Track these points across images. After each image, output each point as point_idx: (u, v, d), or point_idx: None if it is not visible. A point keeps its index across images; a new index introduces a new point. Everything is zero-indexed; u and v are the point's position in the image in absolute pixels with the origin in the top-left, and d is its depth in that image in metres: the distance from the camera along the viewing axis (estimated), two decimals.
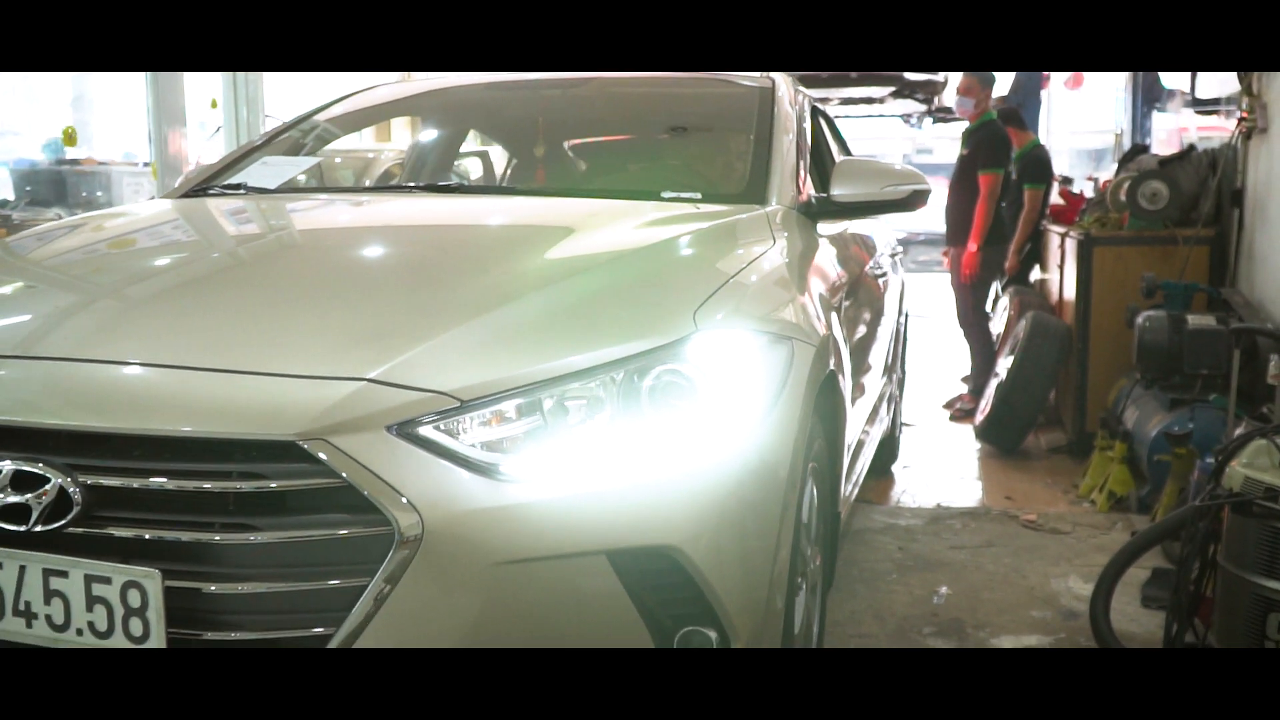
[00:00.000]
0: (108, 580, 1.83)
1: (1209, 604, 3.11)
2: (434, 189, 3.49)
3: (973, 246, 6.71)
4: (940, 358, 8.76)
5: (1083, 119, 14.51)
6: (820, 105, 4.46)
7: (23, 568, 1.86)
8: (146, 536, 1.83)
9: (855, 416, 3.31)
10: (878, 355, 3.99)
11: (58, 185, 7.88)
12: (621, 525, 1.90)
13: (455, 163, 4.25)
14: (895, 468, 5.74)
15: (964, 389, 7.26)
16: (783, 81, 3.62)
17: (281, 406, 1.83)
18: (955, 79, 7.46)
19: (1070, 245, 6.14)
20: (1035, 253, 7.12)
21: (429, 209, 3.09)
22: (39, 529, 1.84)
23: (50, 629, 1.87)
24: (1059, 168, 7.98)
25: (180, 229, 2.82)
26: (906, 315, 5.64)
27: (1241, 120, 5.33)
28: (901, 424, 6.06)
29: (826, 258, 3.05)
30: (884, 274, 4.38)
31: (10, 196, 7.80)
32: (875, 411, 4.17)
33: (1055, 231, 6.71)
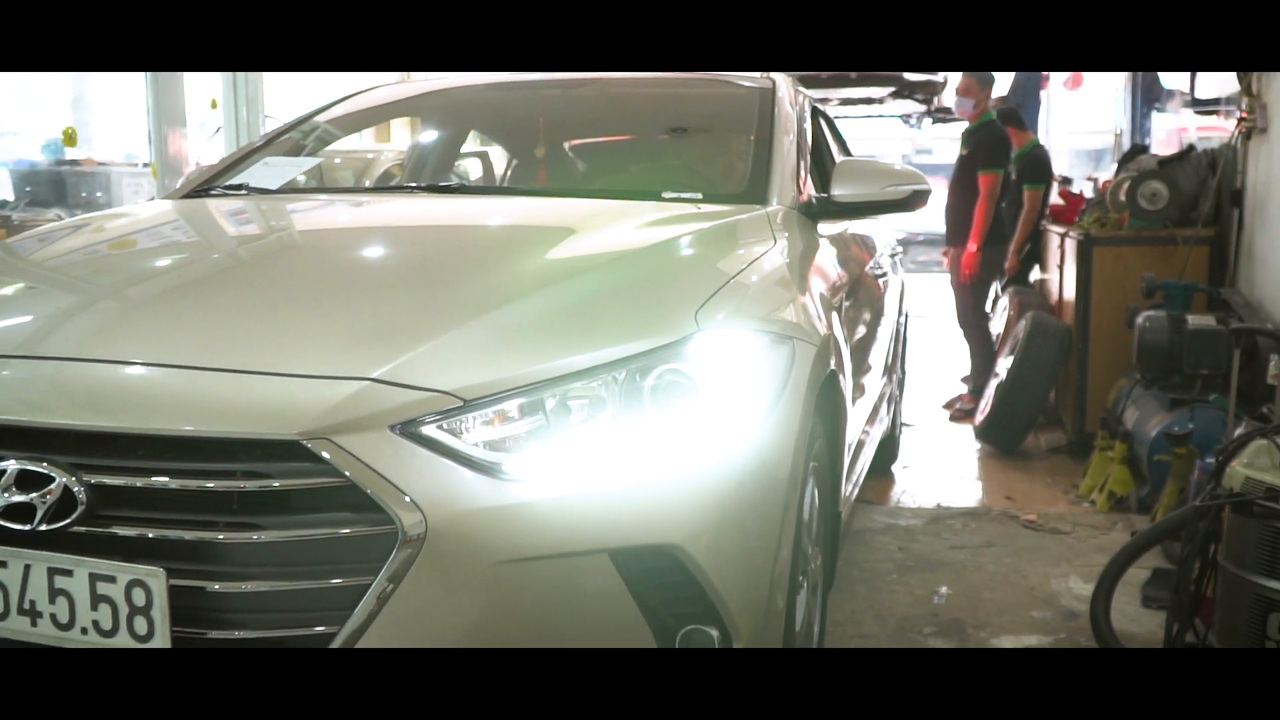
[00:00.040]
0: (112, 579, 1.84)
1: (1209, 604, 3.12)
2: (436, 189, 3.49)
3: (972, 247, 6.72)
4: (940, 358, 8.76)
5: (1082, 119, 14.51)
6: (820, 106, 4.46)
7: (28, 567, 1.87)
8: (150, 536, 1.84)
9: (856, 416, 3.32)
10: (878, 355, 3.99)
11: (57, 186, 7.88)
12: (624, 524, 1.91)
13: (455, 163, 4.25)
14: (895, 468, 5.75)
15: (964, 389, 7.26)
16: (783, 82, 3.62)
17: (285, 406, 1.84)
18: (955, 79, 7.46)
19: (1070, 245, 6.15)
20: (1035, 253, 7.12)
21: (431, 209, 3.09)
22: (44, 528, 1.85)
23: (55, 628, 1.87)
24: (1058, 168, 7.98)
25: (183, 229, 2.83)
26: (906, 315, 5.64)
27: (1241, 120, 5.33)
28: (901, 424, 6.06)
29: (827, 258, 3.05)
30: (884, 274, 4.38)
31: (10, 197, 7.79)
32: (875, 411, 4.17)
33: (1055, 232, 6.71)
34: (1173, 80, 8.01)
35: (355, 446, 1.81)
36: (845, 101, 10.99)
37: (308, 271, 2.43)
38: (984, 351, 6.97)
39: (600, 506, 1.90)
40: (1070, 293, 6.07)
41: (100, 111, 9.48)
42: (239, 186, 3.25)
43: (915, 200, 3.07)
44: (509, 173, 4.10)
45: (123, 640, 1.85)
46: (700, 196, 2.99)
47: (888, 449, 5.46)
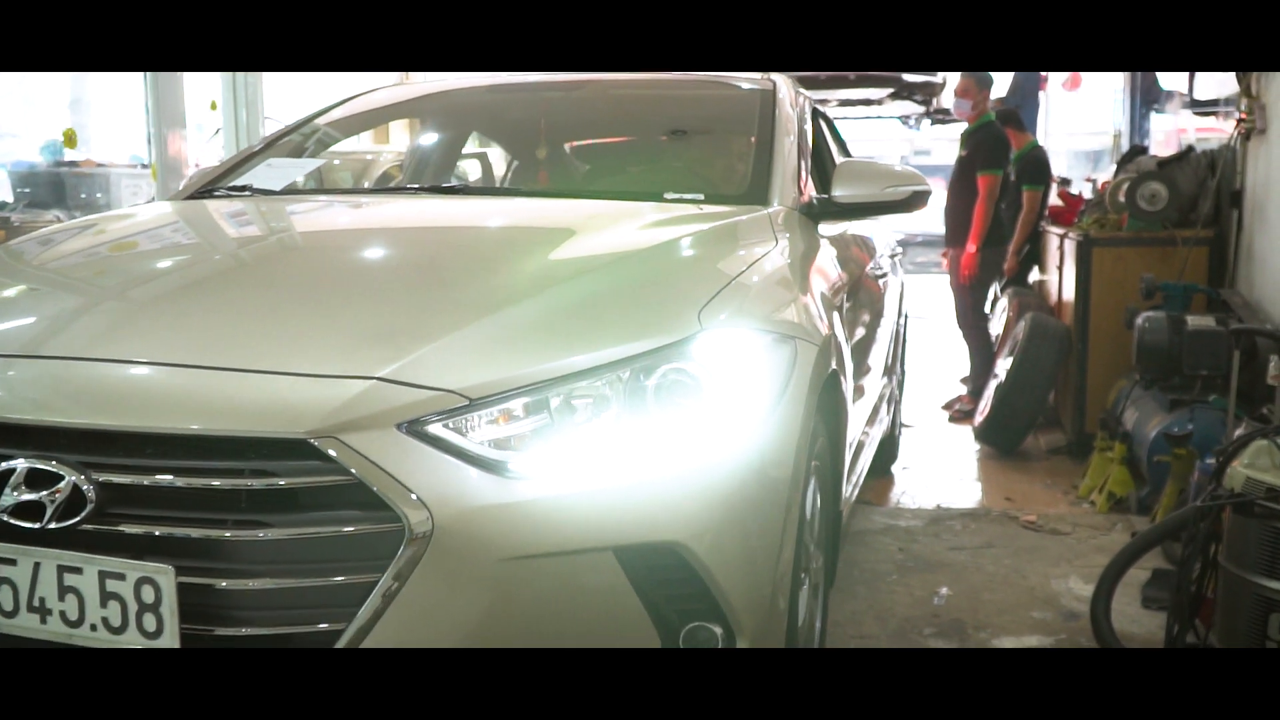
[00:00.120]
0: (121, 576, 1.85)
1: (1210, 605, 3.12)
2: (438, 190, 3.50)
3: (972, 248, 6.72)
4: (939, 359, 8.76)
5: (1081, 120, 14.52)
6: (820, 107, 4.47)
7: (37, 564, 1.88)
8: (158, 534, 1.85)
9: (856, 416, 3.32)
10: (878, 356, 4.00)
11: (56, 187, 7.86)
12: (628, 522, 1.92)
13: (456, 165, 4.25)
14: (895, 469, 5.75)
15: (963, 390, 7.26)
16: (784, 83, 3.63)
17: (293, 405, 1.85)
18: (953, 81, 7.46)
19: (1069, 246, 6.15)
20: (1034, 254, 7.12)
21: (435, 210, 3.10)
22: (53, 526, 1.86)
23: (64, 625, 1.88)
24: (1057, 169, 7.98)
25: (189, 230, 2.84)
26: (906, 316, 5.64)
27: (1240, 121, 5.34)
28: (901, 425, 6.07)
29: (828, 258, 3.06)
30: (884, 275, 4.39)
31: (9, 199, 7.78)
32: (875, 412, 4.18)
33: (1054, 233, 6.71)
34: (1171, 81, 8.02)
35: (362, 445, 1.82)
36: (844, 103, 10.99)
37: (313, 272, 2.45)
38: (983, 352, 6.98)
39: (605, 504, 1.91)
40: (1069, 294, 6.08)
41: (99, 113, 9.47)
42: (242, 188, 3.26)
43: (915, 201, 3.09)
44: (509, 174, 4.11)
45: (132, 637, 1.86)
46: (702, 197, 3.00)
47: (887, 449, 5.46)
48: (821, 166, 3.83)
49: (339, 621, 1.83)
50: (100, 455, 1.88)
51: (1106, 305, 5.72)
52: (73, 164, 8.04)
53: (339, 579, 1.83)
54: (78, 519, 1.85)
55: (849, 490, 3.38)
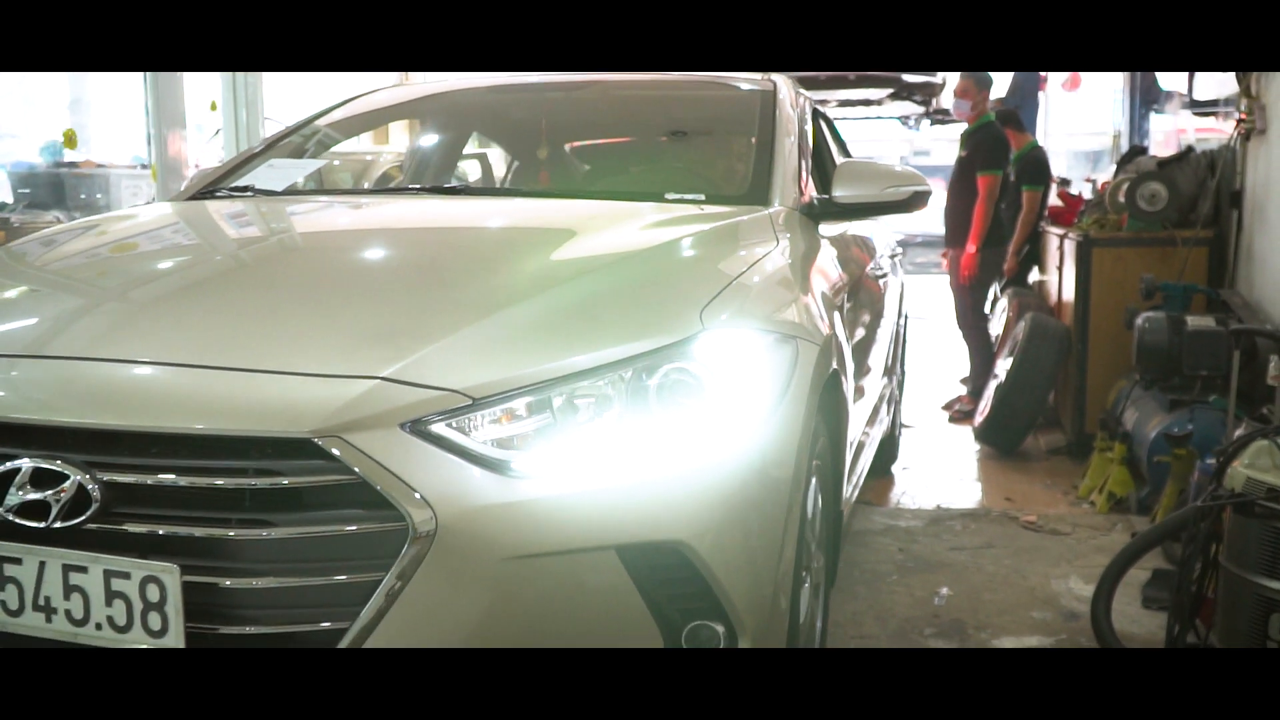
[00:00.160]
0: (127, 575, 1.85)
1: (1210, 605, 3.12)
2: (440, 191, 3.50)
3: (971, 248, 6.73)
4: (939, 359, 8.77)
5: (1080, 121, 14.54)
6: (820, 108, 4.47)
7: (42, 563, 1.88)
8: (162, 533, 1.86)
9: (857, 416, 3.33)
10: (878, 356, 4.01)
11: (56, 188, 7.86)
12: (630, 521, 1.92)
13: (457, 165, 4.26)
14: (895, 469, 5.75)
15: (963, 390, 7.27)
16: (784, 84, 3.64)
17: (297, 404, 1.85)
18: (953, 81, 7.47)
19: (1069, 246, 6.15)
20: (1034, 254, 7.13)
21: (437, 211, 3.11)
22: (58, 525, 1.86)
23: (69, 623, 1.89)
24: (1056, 169, 7.99)
25: (192, 231, 2.85)
26: (906, 317, 5.65)
27: (1240, 122, 5.34)
28: (901, 425, 6.07)
29: (828, 259, 3.07)
30: (884, 275, 4.39)
31: (9, 199, 7.78)
32: (876, 412, 4.18)
33: (1054, 233, 6.72)
34: (1171, 82, 8.02)
35: (366, 444, 1.82)
36: (844, 103, 10.98)
37: (317, 272, 2.45)
38: (983, 353, 6.98)
39: (607, 503, 1.92)
40: (1069, 294, 6.08)
41: (99, 114, 9.48)
42: (244, 188, 3.27)
43: (916, 201, 3.09)
44: (509, 174, 4.11)
45: (136, 635, 1.86)
46: (703, 198, 3.00)
47: (887, 450, 5.47)
48: (822, 167, 3.83)
49: (343, 620, 1.83)
50: (105, 455, 1.88)
51: (1106, 305, 5.72)
52: (72, 165, 8.04)
53: (343, 578, 1.83)
54: (83, 518, 1.86)
55: (849, 490, 3.38)
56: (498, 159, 4.46)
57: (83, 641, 1.89)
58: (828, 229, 3.21)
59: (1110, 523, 4.80)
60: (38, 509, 1.87)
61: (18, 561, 1.89)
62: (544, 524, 1.88)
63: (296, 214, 3.03)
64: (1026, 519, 4.84)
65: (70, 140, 8.03)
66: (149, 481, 1.87)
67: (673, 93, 3.82)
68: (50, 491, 1.86)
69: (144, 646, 1.86)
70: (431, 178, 3.92)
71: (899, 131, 16.84)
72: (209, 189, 3.32)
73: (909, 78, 9.90)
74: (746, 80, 3.70)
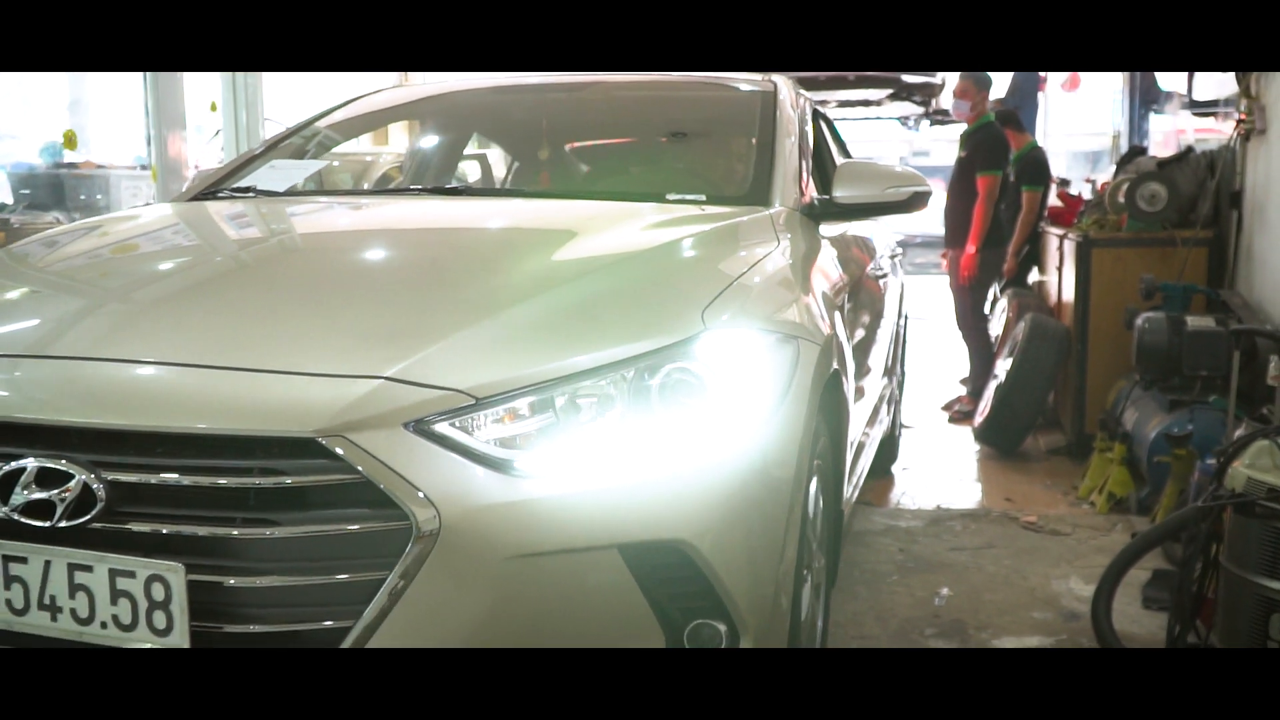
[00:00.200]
0: (132, 574, 1.86)
1: (1211, 605, 3.12)
2: (442, 192, 3.51)
3: (971, 248, 6.73)
4: (939, 360, 8.77)
5: (1079, 121, 14.55)
6: (820, 108, 4.48)
7: (48, 563, 1.89)
8: (167, 532, 1.86)
9: (857, 416, 3.33)
10: (878, 356, 4.01)
11: (56, 189, 7.86)
12: (633, 520, 1.93)
13: (458, 166, 4.26)
14: (895, 469, 5.76)
15: (963, 391, 7.27)
16: (784, 84, 3.64)
17: (301, 404, 1.86)
18: (953, 81, 7.47)
19: (1069, 247, 6.16)
20: (1034, 255, 7.13)
21: (439, 211, 3.11)
22: (63, 525, 1.87)
23: (75, 622, 1.89)
24: (1056, 170, 7.99)
25: (195, 231, 2.85)
26: (906, 317, 5.65)
27: (1240, 122, 5.34)
28: (901, 425, 6.07)
29: (829, 259, 3.07)
30: (884, 275, 4.40)
31: (9, 200, 7.78)
32: (876, 412, 4.19)
33: (1054, 233, 6.72)
34: (1171, 82, 8.03)
35: (370, 443, 1.83)
36: (843, 104, 10.98)
37: (320, 272, 2.46)
38: (983, 353, 6.99)
39: (610, 502, 1.92)
40: (1069, 294, 6.08)
41: (98, 114, 9.48)
42: (246, 189, 3.27)
43: (916, 202, 3.09)
44: (510, 175, 4.12)
45: (142, 634, 1.87)
46: (704, 198, 3.01)
47: (887, 450, 5.47)
48: (822, 167, 3.84)
49: (346, 619, 1.84)
50: (110, 454, 1.89)
51: (1106, 306, 5.72)
52: (72, 165, 8.04)
53: (347, 577, 1.84)
54: (87, 517, 1.86)
55: (850, 490, 3.39)
56: (497, 160, 4.46)
57: (88, 640, 1.89)
58: (828, 229, 3.22)
59: (1110, 523, 4.80)
60: (43, 508, 1.87)
61: (23, 560, 1.90)
62: (547, 523, 1.88)
63: (299, 215, 3.04)
64: (1027, 519, 4.84)
65: (70, 141, 8.03)
66: (153, 481, 1.87)
67: (673, 93, 3.82)
68: (55, 491, 1.87)
69: (149, 645, 1.87)
70: (432, 178, 3.92)
71: (898, 132, 16.85)
72: (211, 190, 3.33)
73: (908, 78, 9.90)
74: (747, 81, 3.71)
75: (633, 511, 1.93)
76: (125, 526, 1.87)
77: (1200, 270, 5.65)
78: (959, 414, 6.98)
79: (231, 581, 1.84)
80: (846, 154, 4.80)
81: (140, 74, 6.89)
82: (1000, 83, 8.98)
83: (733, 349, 2.12)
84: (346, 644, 1.84)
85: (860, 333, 3.42)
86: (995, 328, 7.10)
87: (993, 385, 6.30)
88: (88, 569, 1.87)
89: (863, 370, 3.46)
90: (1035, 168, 6.95)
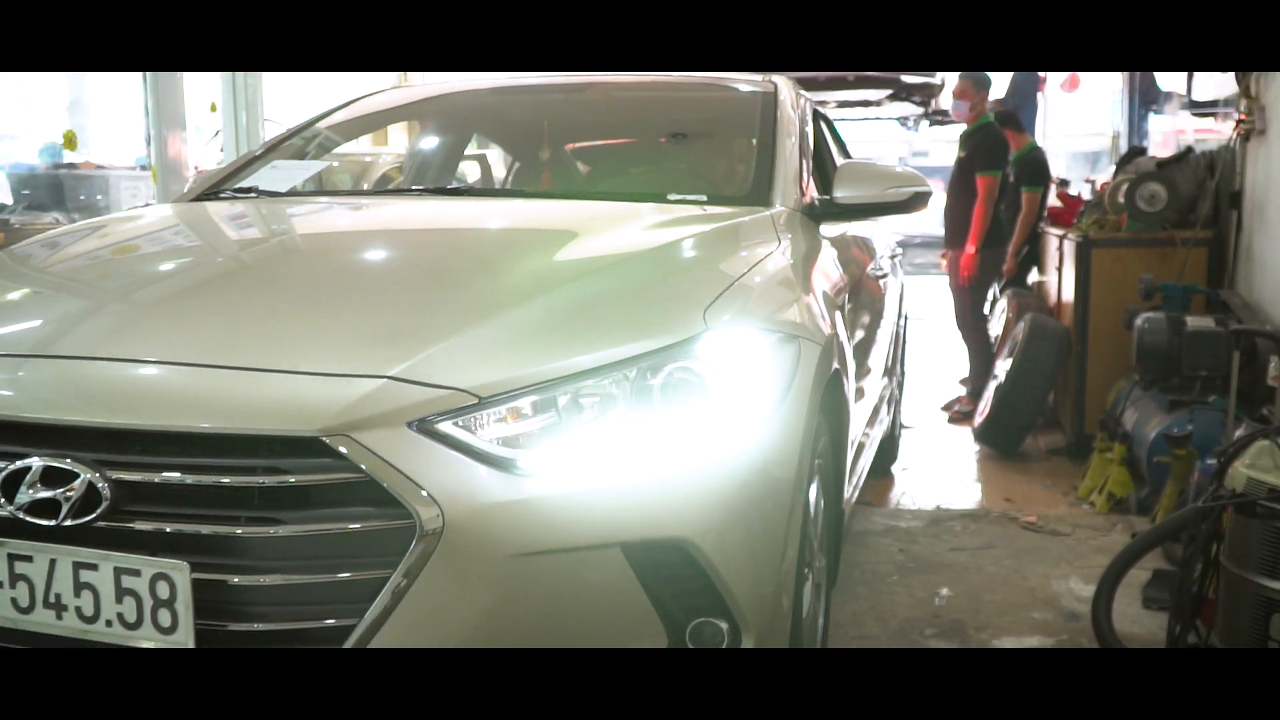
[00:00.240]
0: (137, 573, 1.86)
1: (1211, 605, 3.13)
2: (444, 192, 3.51)
3: (971, 249, 6.73)
4: (939, 360, 8.77)
5: (1079, 121, 14.55)
6: (819, 108, 4.48)
7: (53, 561, 1.89)
8: (171, 530, 1.87)
9: (857, 416, 3.34)
10: (878, 356, 4.01)
11: (55, 189, 7.87)
12: (635, 518, 1.94)
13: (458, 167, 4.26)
14: (895, 469, 5.76)
15: (962, 391, 7.27)
16: (785, 85, 3.65)
17: (305, 403, 1.86)
18: (952, 81, 7.47)
19: (1069, 247, 6.16)
20: (1033, 255, 7.13)
21: (441, 212, 3.12)
22: (68, 523, 1.87)
23: (80, 620, 1.90)
24: (1055, 170, 8.00)
25: (198, 232, 2.85)
26: (906, 317, 5.65)
27: (1240, 123, 5.34)
28: (901, 426, 6.07)
29: (829, 259, 3.08)
30: (884, 276, 4.40)
31: (8, 201, 7.78)
32: (876, 413, 4.19)
33: (1053, 234, 6.73)
34: (1170, 82, 8.03)
35: (373, 442, 1.84)
36: (842, 104, 10.99)
37: (323, 273, 2.46)
38: (983, 353, 6.99)
39: (612, 501, 1.93)
40: (1069, 295, 6.09)
41: (97, 115, 9.48)
42: (249, 189, 3.27)
43: (916, 202, 3.10)
44: (510, 176, 4.12)
45: (147, 632, 1.87)
46: (705, 199, 3.01)
47: (887, 450, 5.48)
48: (822, 168, 3.84)
49: (350, 617, 1.84)
50: (114, 453, 1.90)
51: (1106, 306, 5.73)
52: (71, 166, 8.04)
53: (350, 575, 1.84)
54: (93, 516, 1.87)
55: (850, 490, 3.39)
56: (496, 160, 4.47)
57: (93, 638, 1.90)
58: (828, 230, 3.22)
59: (1110, 523, 4.80)
60: (48, 507, 1.88)
61: (28, 559, 1.90)
62: (550, 522, 1.89)
63: (302, 215, 3.04)
64: (1026, 520, 4.85)
65: (70, 142, 8.04)
66: (158, 480, 1.88)
67: (674, 94, 3.83)
68: (60, 490, 1.87)
69: (154, 644, 1.88)
70: (433, 179, 3.93)
71: (898, 133, 16.86)
72: (213, 190, 3.33)
73: (908, 79, 9.91)
74: (748, 81, 3.71)
75: (635, 510, 1.94)
76: (130, 525, 1.88)
77: (1200, 270, 5.65)
78: (959, 414, 6.99)
79: (236, 580, 1.85)
80: (846, 154, 4.80)
81: (140, 74, 6.89)
82: (999, 83, 8.99)
83: (734, 348, 2.13)
84: (350, 642, 1.84)
85: (860, 333, 3.42)
86: (995, 328, 7.11)
87: (992, 385, 6.30)
88: (93, 567, 1.88)
89: (863, 370, 3.46)
90: (1035, 168, 6.96)
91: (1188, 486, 4.23)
